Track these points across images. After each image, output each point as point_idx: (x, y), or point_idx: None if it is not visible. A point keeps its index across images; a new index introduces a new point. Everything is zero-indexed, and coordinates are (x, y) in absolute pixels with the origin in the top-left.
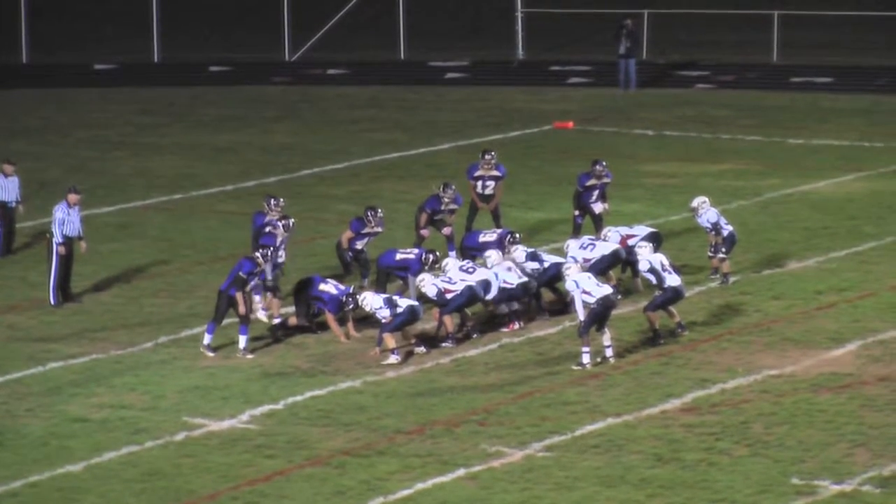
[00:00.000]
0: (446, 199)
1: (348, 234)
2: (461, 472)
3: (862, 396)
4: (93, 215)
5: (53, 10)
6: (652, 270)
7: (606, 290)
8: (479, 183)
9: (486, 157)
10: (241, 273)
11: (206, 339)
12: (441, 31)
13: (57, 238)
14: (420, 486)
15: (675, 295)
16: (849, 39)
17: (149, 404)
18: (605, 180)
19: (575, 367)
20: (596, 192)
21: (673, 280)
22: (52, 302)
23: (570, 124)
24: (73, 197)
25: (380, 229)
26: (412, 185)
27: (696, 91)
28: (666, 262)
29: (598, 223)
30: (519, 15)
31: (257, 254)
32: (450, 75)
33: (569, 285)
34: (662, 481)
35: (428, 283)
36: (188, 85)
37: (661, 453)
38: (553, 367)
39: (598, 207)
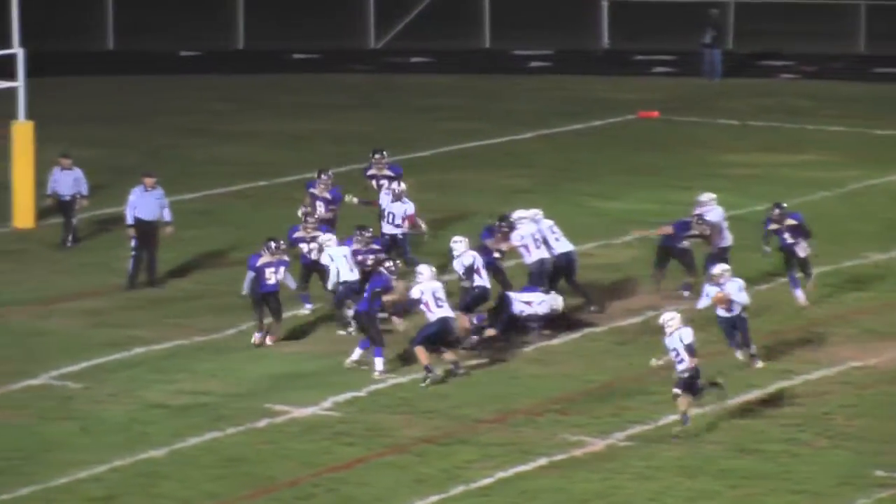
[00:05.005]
0: (321, 186)
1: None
2: (543, 461)
3: None
4: (173, 202)
5: None
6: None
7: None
8: (374, 182)
9: (377, 156)
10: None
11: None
12: (526, 19)
13: (126, 220)
14: (501, 474)
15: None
16: None
17: (230, 391)
18: (789, 222)
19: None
20: (786, 234)
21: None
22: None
23: (656, 114)
24: (148, 180)
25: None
26: (493, 174)
27: (781, 81)
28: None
29: (804, 265)
30: (604, 3)
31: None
32: (534, 64)
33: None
34: (744, 472)
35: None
36: (271, 72)
37: (742, 444)
38: (632, 357)
39: (801, 251)
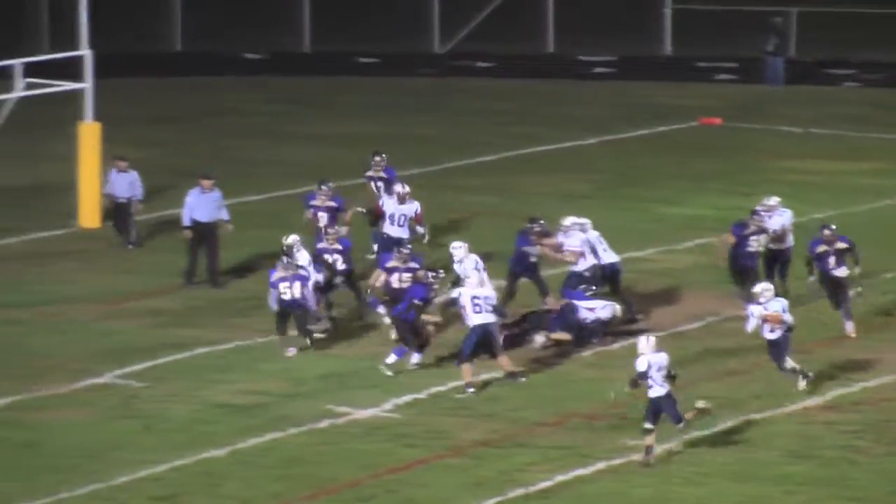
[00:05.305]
0: (322, 198)
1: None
2: (601, 465)
3: None
4: (237, 203)
5: None
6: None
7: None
8: (372, 184)
9: (376, 158)
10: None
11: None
12: (590, 25)
13: (183, 222)
14: (560, 477)
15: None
16: None
17: (292, 391)
18: (839, 245)
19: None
20: (832, 258)
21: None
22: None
23: (718, 121)
24: (206, 182)
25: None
26: (556, 178)
27: (844, 89)
28: None
29: (843, 288)
30: (668, 10)
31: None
32: (597, 70)
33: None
34: (800, 478)
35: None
36: (335, 75)
37: (799, 450)
38: (693, 363)
39: (842, 272)
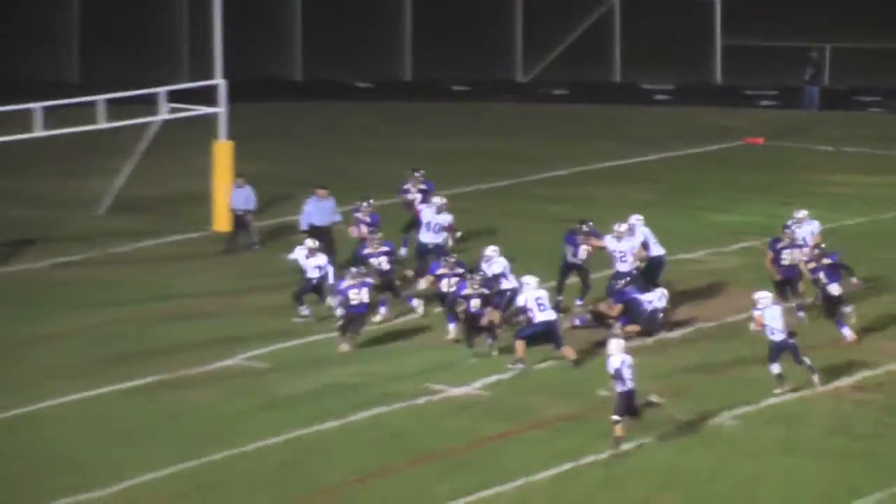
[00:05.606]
0: (363, 212)
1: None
2: (661, 437)
3: None
4: (350, 211)
5: (324, 32)
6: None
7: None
8: (408, 196)
9: (416, 174)
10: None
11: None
12: (651, 57)
13: (300, 226)
14: (626, 447)
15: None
16: None
17: (396, 372)
18: (825, 261)
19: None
20: (821, 273)
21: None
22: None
23: (761, 140)
24: (321, 192)
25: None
26: (621, 189)
27: (871, 114)
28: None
29: (839, 302)
30: (718, 45)
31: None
32: (658, 97)
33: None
34: (834, 452)
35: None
36: (432, 101)
37: (833, 427)
38: (738, 350)
39: (835, 289)
